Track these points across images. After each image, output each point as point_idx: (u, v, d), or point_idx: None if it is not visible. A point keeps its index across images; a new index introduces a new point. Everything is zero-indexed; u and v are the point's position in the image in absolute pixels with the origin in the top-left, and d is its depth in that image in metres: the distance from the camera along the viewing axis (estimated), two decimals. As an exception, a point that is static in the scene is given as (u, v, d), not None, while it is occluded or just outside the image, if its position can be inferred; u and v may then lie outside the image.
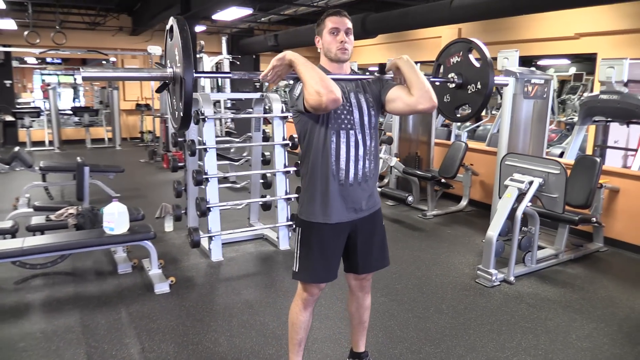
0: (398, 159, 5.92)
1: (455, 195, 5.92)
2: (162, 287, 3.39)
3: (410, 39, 10.06)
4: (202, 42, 8.03)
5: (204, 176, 3.89)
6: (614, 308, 3.30)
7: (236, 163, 4.84)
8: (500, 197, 4.41)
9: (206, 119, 3.87)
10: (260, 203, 4.63)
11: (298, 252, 2.15)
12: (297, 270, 2.16)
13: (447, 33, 9.65)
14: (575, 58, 10.34)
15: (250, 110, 4.65)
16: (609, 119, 5.35)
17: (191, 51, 1.70)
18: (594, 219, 4.14)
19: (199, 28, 10.01)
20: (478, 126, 8.93)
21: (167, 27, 1.88)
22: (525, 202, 3.62)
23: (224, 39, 9.99)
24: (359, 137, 2.04)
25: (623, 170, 4.60)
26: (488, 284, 3.62)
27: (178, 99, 1.83)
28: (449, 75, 2.37)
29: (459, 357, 2.67)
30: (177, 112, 1.90)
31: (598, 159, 4.12)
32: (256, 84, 9.40)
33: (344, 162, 2.02)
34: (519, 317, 3.14)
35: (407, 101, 1.99)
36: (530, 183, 3.64)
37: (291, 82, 2.06)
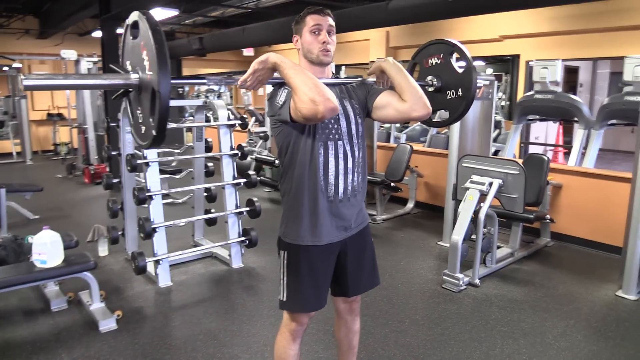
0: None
1: (400, 198, 5.90)
2: (107, 324, 2.96)
3: (338, 42, 10.01)
4: (124, 46, 7.42)
5: (147, 194, 3.48)
6: (577, 303, 3.36)
7: (177, 177, 4.44)
8: (453, 199, 4.43)
9: (147, 129, 3.47)
10: (205, 219, 4.28)
11: (285, 279, 1.90)
12: (284, 300, 1.91)
13: (375, 36, 9.74)
14: (491, 60, 10.90)
15: (191, 118, 4.28)
16: (543, 117, 5.58)
17: (167, 55, 1.39)
18: (548, 216, 4.25)
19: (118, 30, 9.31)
20: (406, 127, 9.05)
21: (128, 22, 1.56)
22: (488, 203, 3.61)
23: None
24: (347, 147, 1.83)
25: (565, 167, 4.80)
26: (455, 288, 3.56)
27: (147, 111, 1.51)
28: (428, 78, 2.23)
29: (447, 372, 2.55)
30: (143, 127, 1.57)
31: (546, 157, 4.24)
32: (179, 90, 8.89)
33: (333, 176, 1.81)
34: (494, 322, 3.09)
35: (399, 108, 1.81)
36: (491, 184, 3.64)
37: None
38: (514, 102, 9.36)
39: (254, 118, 9.18)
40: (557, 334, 2.94)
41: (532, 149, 8.53)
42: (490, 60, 11.20)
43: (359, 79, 1.98)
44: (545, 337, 2.91)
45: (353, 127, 1.86)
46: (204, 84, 1.68)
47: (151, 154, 3.52)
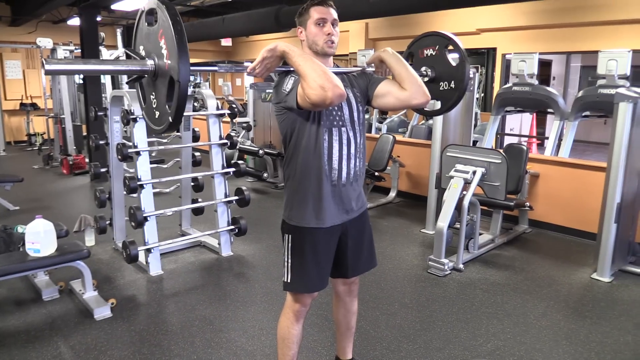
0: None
1: (382, 188, 6.01)
2: (102, 312, 2.98)
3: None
4: (103, 34, 7.29)
5: (139, 182, 3.49)
6: (556, 286, 3.54)
7: (164, 166, 4.43)
8: (436, 188, 4.57)
9: (137, 118, 3.47)
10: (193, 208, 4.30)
11: (289, 260, 1.98)
12: (289, 281, 1.99)
13: (354, 27, 9.80)
14: (467, 53, 11.11)
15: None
16: (521, 109, 5.76)
17: (187, 46, 1.44)
18: (527, 204, 4.42)
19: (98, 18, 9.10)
20: (385, 118, 9.17)
21: (144, 9, 1.59)
22: (471, 191, 3.74)
23: (119, 31, 9.22)
24: (350, 134, 1.92)
25: (542, 157, 4.98)
26: (440, 273, 3.69)
27: (162, 97, 1.56)
28: (422, 69, 2.32)
29: (437, 350, 2.67)
30: (157, 112, 1.62)
31: (525, 147, 4.40)
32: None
33: (337, 161, 1.89)
34: (479, 304, 3.23)
35: (399, 96, 1.91)
36: (474, 173, 3.77)
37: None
38: (488, 94, 9.61)
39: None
40: (538, 314, 3.10)
41: (507, 140, 8.78)
42: (466, 53, 11.44)
43: (360, 68, 2.05)
44: (527, 317, 3.06)
45: (355, 114, 1.94)
46: (215, 70, 1.73)
47: (141, 143, 3.52)
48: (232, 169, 4.05)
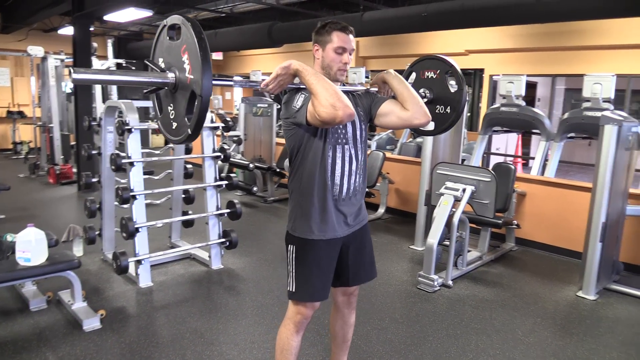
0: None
1: (370, 204, 6.05)
2: (91, 323, 2.95)
3: (306, 50, 10.15)
4: (95, 45, 7.30)
5: (131, 193, 3.48)
6: (542, 303, 3.59)
7: (156, 177, 4.43)
8: (425, 205, 4.63)
9: (132, 129, 3.48)
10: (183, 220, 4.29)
11: (294, 271, 2.02)
12: (294, 290, 2.03)
13: (346, 45, 9.94)
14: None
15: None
16: (508, 129, 5.89)
17: (211, 63, 1.50)
18: (515, 222, 4.50)
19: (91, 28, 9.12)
20: (373, 135, 9.26)
21: (167, 23, 1.65)
22: (461, 208, 3.81)
23: (110, 42, 9.25)
24: (352, 151, 1.99)
25: (529, 176, 5.07)
26: (430, 289, 3.73)
27: (182, 109, 1.61)
28: (421, 90, 2.39)
29: (428, 366, 2.69)
30: (174, 123, 1.66)
31: (512, 166, 4.49)
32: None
33: (339, 177, 1.96)
34: (468, 320, 3.27)
35: (401, 116, 1.98)
36: (464, 191, 3.84)
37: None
38: (475, 114, 9.80)
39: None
40: (526, 331, 3.14)
41: (493, 159, 8.94)
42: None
43: (364, 88, 2.12)
44: (515, 333, 3.11)
45: (358, 132, 2.01)
46: (231, 85, 1.78)
47: (135, 154, 3.52)
48: (225, 182, 4.06)
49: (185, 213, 4.34)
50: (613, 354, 2.87)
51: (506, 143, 10.21)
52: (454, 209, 3.86)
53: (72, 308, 3.06)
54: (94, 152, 3.91)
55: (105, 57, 9.27)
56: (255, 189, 6.46)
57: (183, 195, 4.36)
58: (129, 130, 3.47)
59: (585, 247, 3.73)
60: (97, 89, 7.95)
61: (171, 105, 1.69)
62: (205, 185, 4.00)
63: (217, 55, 11.90)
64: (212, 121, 4.04)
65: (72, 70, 1.41)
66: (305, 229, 1.96)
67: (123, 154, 3.55)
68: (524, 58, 7.70)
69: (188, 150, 4.35)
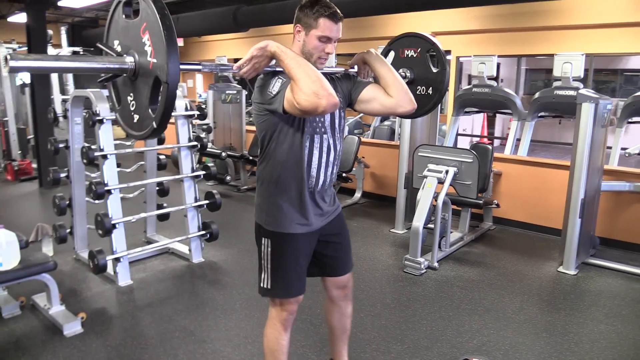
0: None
1: (347, 189, 6.01)
2: (72, 327, 2.78)
3: (274, 33, 9.92)
4: (51, 32, 6.88)
5: (106, 188, 3.29)
6: (526, 280, 3.65)
7: (127, 170, 4.21)
8: (405, 188, 4.62)
9: (104, 120, 3.28)
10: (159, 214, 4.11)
11: (269, 266, 1.91)
12: (268, 287, 1.92)
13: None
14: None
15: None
16: (480, 110, 5.94)
17: (177, 41, 1.34)
18: (495, 201, 4.55)
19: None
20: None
21: (119, 0, 1.48)
22: (445, 190, 3.81)
23: (63, 29, 8.76)
24: (330, 141, 1.87)
25: (504, 155, 5.14)
26: (417, 272, 3.72)
27: (144, 99, 1.43)
28: (400, 70, 2.29)
29: (426, 349, 2.68)
30: (136, 116, 1.49)
31: (489, 147, 4.53)
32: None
33: (315, 169, 1.85)
34: (459, 301, 3.28)
35: (385, 103, 1.87)
36: (447, 172, 3.84)
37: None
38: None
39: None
40: (515, 309, 3.18)
41: (460, 140, 9.05)
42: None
43: (342, 70, 1.99)
44: (505, 312, 3.14)
45: (337, 120, 1.90)
46: (199, 70, 1.63)
47: (108, 146, 3.33)
48: (203, 172, 3.91)
49: (160, 206, 4.17)
50: (601, 327, 2.94)
51: (472, 124, 10.37)
52: (437, 192, 3.85)
53: (50, 313, 2.88)
54: (61, 145, 3.67)
55: (60, 46, 8.77)
56: (228, 178, 6.30)
57: (157, 188, 4.19)
58: (100, 121, 3.27)
59: (565, 223, 3.81)
60: (54, 79, 7.52)
61: (131, 94, 1.50)
62: (182, 176, 3.84)
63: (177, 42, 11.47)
64: (186, 109, 3.87)
65: (8, 57, 1.23)
66: (281, 223, 1.85)
67: (94, 147, 3.35)
68: (490, 39, 7.76)
69: (161, 141, 4.16)
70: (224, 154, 6.09)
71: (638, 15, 5.84)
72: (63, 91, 7.70)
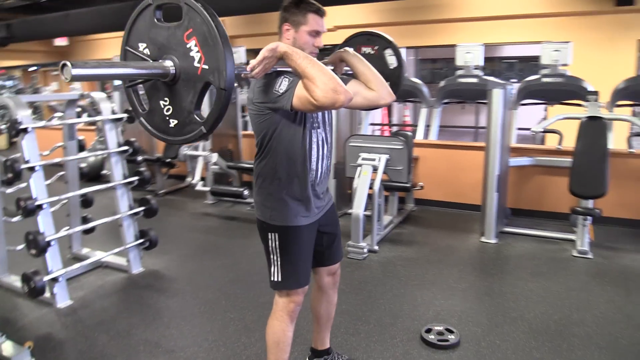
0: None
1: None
2: (22, 359, 2.53)
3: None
4: None
5: (37, 203, 3.02)
6: (457, 253, 4.02)
7: (47, 182, 3.86)
8: (335, 178, 4.80)
9: (28, 129, 2.99)
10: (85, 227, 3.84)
11: (279, 260, 1.99)
12: (280, 280, 2.00)
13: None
14: (323, 49, 11.75)
15: (61, 114, 3.78)
16: (465, 100, 6.20)
17: (232, 48, 1.37)
18: (420, 183, 4.90)
19: None
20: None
21: (152, 3, 1.44)
22: (379, 176, 4.03)
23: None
24: (323, 135, 1.99)
25: (420, 141, 5.52)
26: (360, 257, 3.91)
27: (186, 104, 1.44)
28: None
29: (391, 325, 2.87)
30: (173, 121, 1.48)
31: (410, 133, 4.86)
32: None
33: (315, 162, 1.95)
34: (405, 278, 3.53)
35: (367, 96, 1.99)
36: (380, 160, 4.06)
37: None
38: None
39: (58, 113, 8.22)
40: (455, 278, 3.51)
41: (370, 130, 9.49)
42: (323, 50, 12.07)
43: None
44: (448, 282, 3.45)
45: (327, 114, 2.01)
46: None
47: (35, 158, 3.04)
48: (137, 178, 3.73)
49: (85, 219, 3.90)
50: (529, 285, 3.36)
51: (373, 113, 10.87)
52: (372, 179, 4.07)
53: (-10, 346, 2.59)
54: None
55: None
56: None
57: (81, 198, 3.90)
58: (24, 130, 2.98)
59: (484, 198, 4.24)
60: None
61: (166, 99, 1.50)
62: (115, 184, 3.63)
63: (60, 41, 10.53)
64: (112, 112, 3.65)
65: (69, 65, 1.17)
66: (287, 216, 1.94)
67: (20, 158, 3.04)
68: (389, 32, 8.22)
69: (81, 148, 3.89)
70: (140, 157, 5.78)
71: (528, 8, 6.64)
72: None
